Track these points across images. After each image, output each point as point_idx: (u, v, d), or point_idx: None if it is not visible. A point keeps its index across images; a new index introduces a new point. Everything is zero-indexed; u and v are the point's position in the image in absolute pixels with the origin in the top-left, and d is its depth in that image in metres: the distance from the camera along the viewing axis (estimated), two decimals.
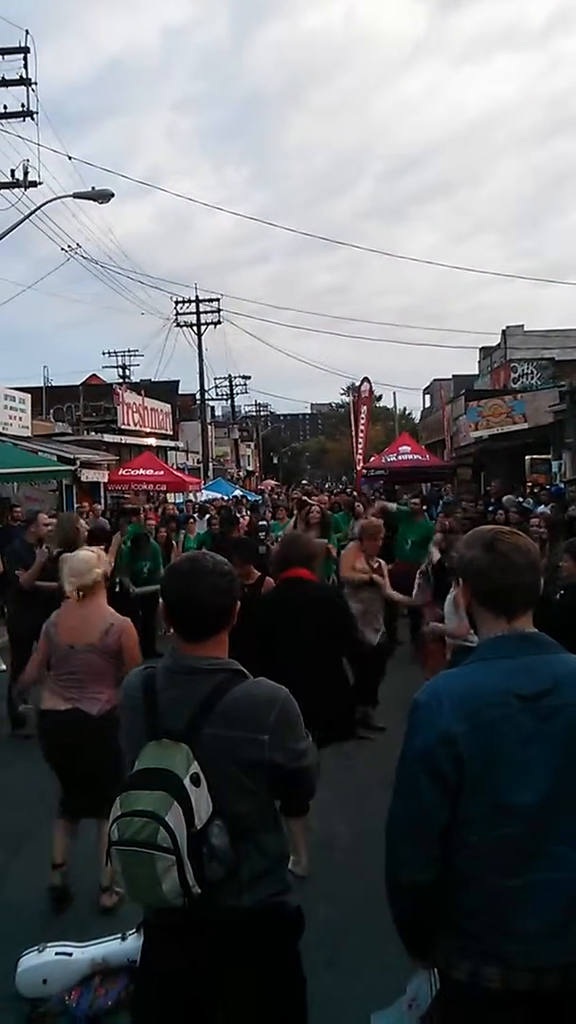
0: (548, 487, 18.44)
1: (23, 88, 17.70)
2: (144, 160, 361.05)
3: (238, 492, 29.05)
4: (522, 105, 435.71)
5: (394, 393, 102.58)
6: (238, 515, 14.80)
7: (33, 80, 17.68)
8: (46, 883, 4.85)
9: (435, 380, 49.69)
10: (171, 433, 39.83)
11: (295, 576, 5.22)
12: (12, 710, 8.02)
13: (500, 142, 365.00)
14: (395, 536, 12.22)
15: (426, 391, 52.99)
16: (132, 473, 25.76)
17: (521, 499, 17.42)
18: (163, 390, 41.63)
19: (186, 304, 40.12)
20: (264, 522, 14.59)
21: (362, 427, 34.86)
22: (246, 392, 63.78)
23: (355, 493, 23.22)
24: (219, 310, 40.67)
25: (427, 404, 53.00)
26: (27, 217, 17.83)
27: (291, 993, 2.42)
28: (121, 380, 47.15)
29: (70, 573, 4.90)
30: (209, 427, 44.30)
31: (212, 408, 55.12)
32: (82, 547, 7.76)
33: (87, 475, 24.46)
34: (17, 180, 17.86)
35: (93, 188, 17.65)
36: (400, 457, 28.06)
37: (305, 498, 15.63)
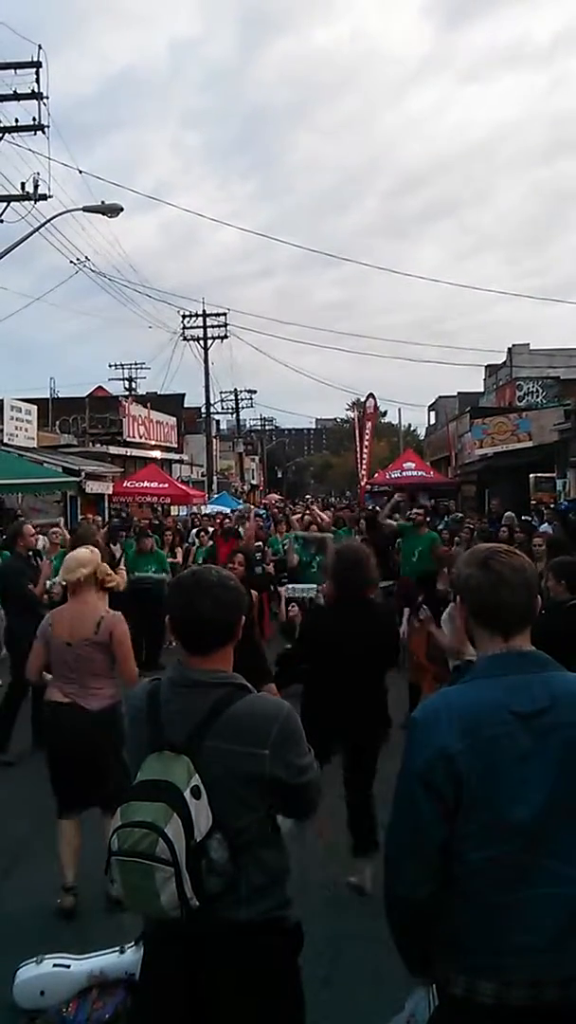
0: (551, 505, 18.42)
1: (34, 102, 17.85)
2: (150, 173, 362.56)
3: (240, 507, 29.10)
4: (527, 124, 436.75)
5: (399, 409, 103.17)
6: (239, 528, 14.77)
7: (45, 94, 17.86)
8: (45, 894, 4.86)
9: (440, 397, 49.81)
10: (176, 446, 39.93)
11: (362, 597, 5.16)
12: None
13: (505, 161, 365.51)
14: (400, 551, 12.31)
15: (431, 408, 53.11)
16: (137, 485, 25.86)
17: (529, 518, 17.42)
18: (169, 403, 41.74)
19: (193, 318, 40.34)
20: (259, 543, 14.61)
21: (367, 443, 34.93)
22: (251, 406, 64.05)
23: (359, 508, 23.23)
24: (225, 324, 40.91)
25: (432, 421, 53.13)
26: (37, 230, 17.97)
27: (289, 1008, 2.42)
28: (127, 392, 47.35)
29: (63, 569, 5.15)
30: (214, 440, 44.43)
31: (217, 421, 55.38)
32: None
33: (92, 487, 24.52)
34: (27, 193, 17.98)
35: (103, 202, 17.77)
36: (404, 473, 28.14)
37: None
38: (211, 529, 16.47)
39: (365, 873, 5.00)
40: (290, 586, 10.73)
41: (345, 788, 5.12)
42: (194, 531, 16.21)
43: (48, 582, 9.81)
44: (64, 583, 5.12)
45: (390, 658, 5.21)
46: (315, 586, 9.96)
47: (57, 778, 4.99)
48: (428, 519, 13.63)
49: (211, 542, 14.59)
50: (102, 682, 4.96)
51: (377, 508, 24.42)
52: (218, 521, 18.72)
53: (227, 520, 19.04)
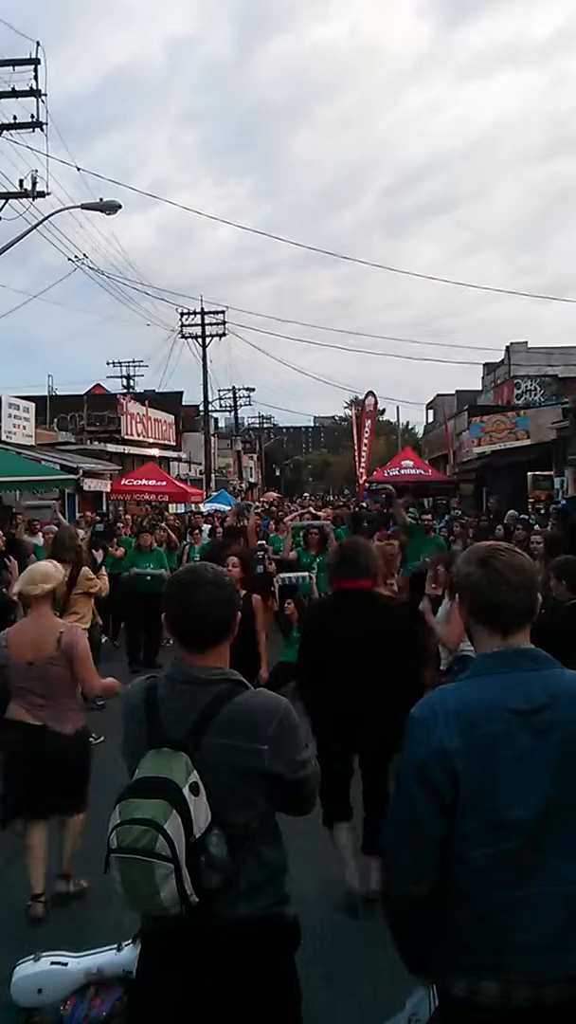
0: (543, 511, 18.39)
1: (32, 99, 17.81)
2: (148, 171, 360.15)
3: (236, 504, 29.06)
4: (525, 122, 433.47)
5: (397, 407, 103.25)
6: (243, 523, 14.71)
7: (43, 91, 17.82)
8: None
9: (438, 395, 49.78)
10: (174, 444, 39.91)
11: (359, 587, 4.89)
12: None
13: (503, 158, 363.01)
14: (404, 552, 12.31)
15: (429, 406, 53.08)
16: (135, 483, 25.82)
17: (527, 516, 17.41)
18: (167, 401, 41.71)
19: (191, 316, 40.32)
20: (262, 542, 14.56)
21: (365, 441, 34.91)
22: (250, 404, 64.02)
23: (357, 507, 23.21)
24: (224, 322, 40.90)
25: (430, 419, 53.10)
26: (35, 227, 17.95)
27: (287, 1005, 2.43)
28: (125, 390, 47.34)
29: (23, 580, 5.00)
30: (212, 438, 44.40)
31: (215, 419, 55.36)
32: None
33: (90, 484, 24.51)
34: (25, 190, 17.97)
35: (101, 199, 17.76)
36: (402, 471, 28.11)
37: None
38: (207, 527, 16.45)
39: (372, 878, 4.76)
40: (282, 575, 10.65)
41: (363, 784, 4.98)
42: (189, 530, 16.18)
43: None
44: (19, 594, 4.93)
45: (402, 650, 4.80)
46: (305, 573, 9.91)
47: (16, 792, 4.85)
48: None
49: (209, 539, 14.57)
50: (69, 700, 4.86)
51: (366, 507, 24.49)
52: (217, 519, 18.66)
53: (226, 518, 19.01)
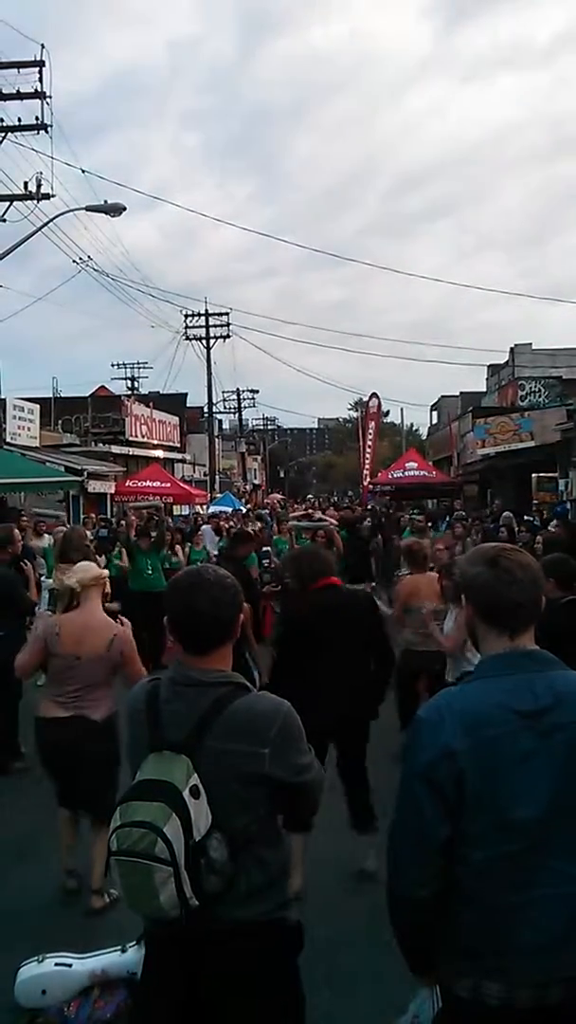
0: (556, 506, 18.38)
1: (37, 101, 17.88)
2: (150, 173, 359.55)
3: (242, 509, 29.11)
4: (527, 124, 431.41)
5: (401, 409, 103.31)
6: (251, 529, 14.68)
7: (47, 93, 17.88)
8: (47, 893, 4.89)
9: (443, 397, 49.77)
10: (178, 445, 39.97)
11: (328, 583, 5.20)
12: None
13: (505, 161, 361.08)
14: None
15: (433, 407, 53.05)
16: (139, 485, 25.85)
17: (531, 518, 17.40)
18: (171, 402, 41.77)
19: (195, 317, 40.36)
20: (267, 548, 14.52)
21: (370, 442, 34.94)
22: (254, 406, 64.10)
23: (361, 509, 23.19)
24: (228, 324, 40.93)
25: (434, 421, 53.07)
26: (39, 229, 17.95)
27: (289, 1008, 2.42)
28: (130, 392, 47.40)
29: (78, 571, 5.08)
30: (216, 440, 44.44)
31: (220, 421, 55.40)
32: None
33: (94, 486, 24.56)
34: (30, 192, 18.02)
35: (105, 201, 17.77)
36: (407, 473, 28.15)
37: None
38: (207, 527, 16.44)
39: (370, 855, 5.01)
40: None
41: (338, 768, 5.13)
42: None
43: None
44: (79, 583, 5.03)
45: (370, 637, 5.19)
46: None
47: (59, 785, 5.04)
48: (430, 523, 13.74)
49: (222, 542, 14.58)
50: (104, 692, 4.93)
51: (376, 508, 24.52)
52: (222, 522, 18.65)
53: (231, 521, 18.99)
